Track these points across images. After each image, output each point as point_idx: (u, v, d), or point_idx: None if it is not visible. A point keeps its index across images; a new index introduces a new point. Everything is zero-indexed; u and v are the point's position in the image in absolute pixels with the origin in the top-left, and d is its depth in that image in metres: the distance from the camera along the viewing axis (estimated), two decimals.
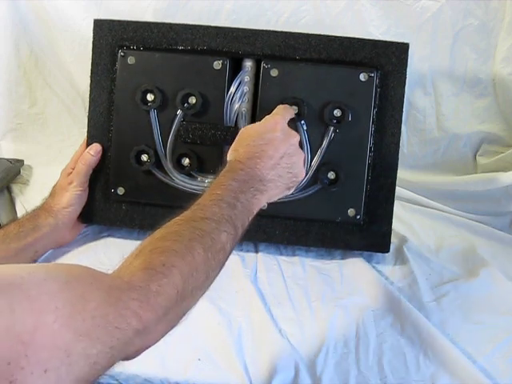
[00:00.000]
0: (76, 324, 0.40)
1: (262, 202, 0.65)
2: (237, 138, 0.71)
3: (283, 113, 0.75)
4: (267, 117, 0.73)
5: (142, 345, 0.46)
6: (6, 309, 0.37)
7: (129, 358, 0.45)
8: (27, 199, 1.00)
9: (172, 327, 0.49)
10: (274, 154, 0.68)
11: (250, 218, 0.63)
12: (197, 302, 0.52)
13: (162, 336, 0.48)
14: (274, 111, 0.76)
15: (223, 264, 0.56)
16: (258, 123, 0.72)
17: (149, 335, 0.46)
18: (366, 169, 0.85)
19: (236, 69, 0.85)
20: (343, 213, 0.85)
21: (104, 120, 0.87)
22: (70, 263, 0.46)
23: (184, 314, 0.51)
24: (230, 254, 0.57)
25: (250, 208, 0.62)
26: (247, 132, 0.71)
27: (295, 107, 0.82)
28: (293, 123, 0.79)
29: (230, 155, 0.69)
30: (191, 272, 0.50)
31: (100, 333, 0.41)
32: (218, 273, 0.56)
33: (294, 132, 0.73)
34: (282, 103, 0.82)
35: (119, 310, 0.43)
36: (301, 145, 0.76)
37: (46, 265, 0.44)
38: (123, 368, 0.63)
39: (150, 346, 0.47)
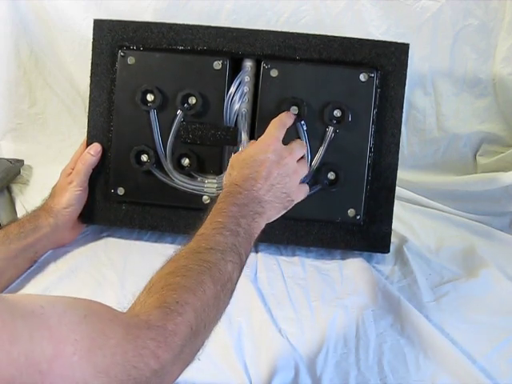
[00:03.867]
0: (96, 359, 0.39)
1: (261, 224, 0.66)
2: (230, 164, 0.72)
3: (277, 130, 0.74)
4: (260, 137, 0.73)
5: None
6: (25, 336, 0.36)
7: None
8: (27, 199, 1.00)
9: (186, 365, 0.49)
10: (268, 176, 0.68)
11: (252, 243, 0.63)
12: (209, 336, 0.52)
13: (178, 376, 0.47)
14: (267, 129, 0.75)
15: (231, 295, 0.57)
16: (250, 147, 0.73)
17: (165, 376, 0.45)
18: (366, 169, 0.85)
19: (236, 69, 0.85)
20: (343, 213, 0.85)
21: (104, 120, 0.87)
22: (89, 299, 0.45)
23: (197, 351, 0.50)
24: (236, 283, 0.58)
25: (252, 233, 0.63)
26: (239, 157, 0.71)
27: (295, 107, 0.82)
28: (293, 124, 0.79)
29: (226, 180, 0.70)
30: (203, 307, 0.50)
31: (118, 371, 0.40)
32: (227, 304, 0.56)
33: (288, 151, 0.72)
34: (282, 103, 0.82)
35: (138, 350, 0.42)
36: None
37: (65, 297, 0.44)
38: None
39: None
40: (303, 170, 0.75)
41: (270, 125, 0.75)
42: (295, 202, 0.73)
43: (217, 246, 0.57)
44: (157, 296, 0.49)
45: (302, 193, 0.74)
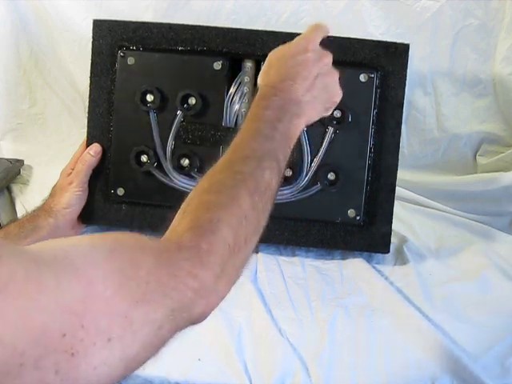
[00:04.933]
0: (130, 290, 0.39)
1: (300, 125, 0.62)
2: (266, 62, 0.67)
3: (316, 32, 0.70)
4: (298, 37, 0.68)
5: (205, 304, 0.44)
6: (52, 282, 0.35)
7: (196, 321, 0.44)
8: (27, 199, 1.00)
9: (234, 281, 0.48)
10: (308, 75, 0.64)
11: (292, 146, 0.60)
12: (254, 248, 0.51)
13: (227, 292, 0.46)
14: (306, 30, 0.70)
15: (272, 202, 0.54)
16: (287, 44, 0.68)
17: (210, 294, 0.44)
18: (366, 169, 0.85)
19: (236, 69, 0.85)
20: (343, 213, 0.85)
21: (104, 120, 0.87)
22: (116, 232, 0.45)
23: (243, 265, 0.49)
24: (276, 189, 0.55)
25: (290, 135, 0.60)
26: (277, 54, 0.67)
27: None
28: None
29: (261, 79, 0.66)
30: (240, 221, 0.48)
31: (158, 296, 0.40)
32: (269, 212, 0.54)
33: (326, 52, 0.68)
34: None
35: (173, 272, 0.41)
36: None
37: (90, 236, 0.43)
38: None
39: (215, 306, 0.45)
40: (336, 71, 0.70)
41: (308, 28, 0.71)
42: (335, 103, 0.69)
43: (252, 153, 0.54)
44: (190, 217, 0.47)
45: (340, 93, 0.70)
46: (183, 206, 0.50)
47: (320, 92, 0.65)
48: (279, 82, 0.63)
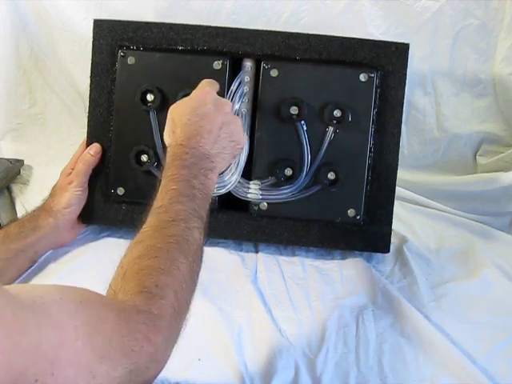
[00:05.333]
0: (97, 344, 0.40)
1: (215, 178, 0.65)
2: (168, 118, 0.69)
3: (210, 84, 0.73)
4: (194, 91, 0.71)
5: (156, 368, 0.46)
6: (33, 326, 0.36)
7: None
8: (27, 199, 1.00)
9: (174, 344, 0.49)
10: (212, 128, 0.66)
11: (210, 200, 0.62)
12: (189, 310, 0.52)
13: (169, 357, 0.48)
14: (199, 84, 0.73)
15: (202, 259, 0.57)
16: (185, 99, 0.70)
17: (162, 358, 0.46)
18: (366, 169, 0.85)
19: (236, 69, 0.85)
20: (343, 213, 0.85)
21: (104, 120, 0.87)
22: (76, 286, 0.45)
23: (181, 328, 0.51)
24: (203, 245, 0.57)
25: (207, 191, 0.62)
26: (178, 111, 0.69)
27: (295, 107, 0.82)
28: (292, 123, 0.79)
29: (168, 138, 0.68)
30: (181, 285, 0.50)
31: (119, 355, 0.41)
32: (200, 269, 0.56)
33: (224, 100, 0.71)
34: (282, 103, 0.82)
35: (133, 334, 0.43)
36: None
37: (58, 285, 0.44)
38: None
39: (160, 370, 0.47)
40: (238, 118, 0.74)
41: (201, 83, 0.74)
42: (241, 150, 0.72)
43: (178, 215, 0.56)
44: (135, 281, 0.49)
45: (245, 139, 0.73)
46: (120, 270, 0.51)
47: (226, 141, 0.68)
48: (187, 140, 0.64)
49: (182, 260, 0.52)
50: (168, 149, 0.66)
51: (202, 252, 0.57)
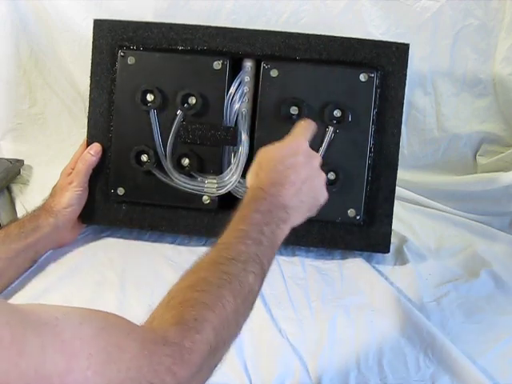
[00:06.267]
0: (110, 374, 0.38)
1: (286, 230, 0.62)
2: (256, 161, 0.67)
3: (305, 132, 0.71)
4: (288, 137, 0.69)
5: None
6: (36, 348, 0.36)
7: None
8: (27, 199, 1.00)
9: (205, 381, 0.48)
10: (296, 180, 0.64)
11: (276, 250, 0.60)
12: (228, 350, 0.51)
13: None
14: (295, 130, 0.71)
15: (252, 306, 0.55)
16: (278, 144, 0.67)
17: None
18: (366, 169, 0.85)
19: (236, 69, 0.85)
20: (343, 213, 0.85)
21: (104, 120, 0.87)
22: (106, 311, 0.44)
23: (216, 366, 0.49)
24: (258, 294, 0.56)
25: (275, 240, 0.60)
26: (268, 155, 0.66)
27: (295, 107, 0.82)
28: (293, 123, 0.79)
29: (251, 180, 0.66)
30: (222, 324, 0.48)
31: None
32: (248, 315, 0.54)
33: (315, 153, 0.69)
34: (283, 103, 0.82)
35: (153, 365, 0.41)
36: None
37: (82, 308, 0.42)
38: None
39: None
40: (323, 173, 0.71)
41: (296, 127, 0.71)
42: (319, 206, 0.68)
43: (238, 256, 0.54)
44: (175, 312, 0.47)
45: (326, 195, 0.69)
46: (166, 297, 0.50)
47: (307, 196, 0.65)
48: (268, 186, 0.62)
49: (229, 299, 0.50)
50: (248, 190, 0.65)
51: (253, 298, 0.55)
